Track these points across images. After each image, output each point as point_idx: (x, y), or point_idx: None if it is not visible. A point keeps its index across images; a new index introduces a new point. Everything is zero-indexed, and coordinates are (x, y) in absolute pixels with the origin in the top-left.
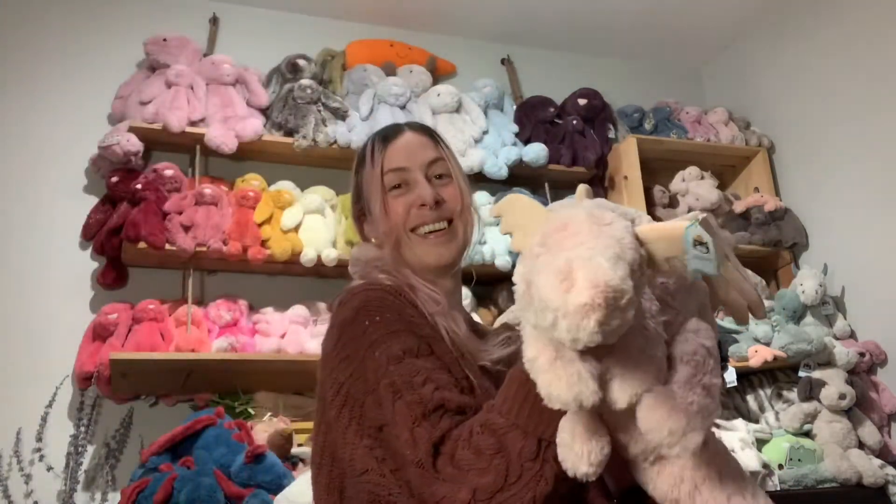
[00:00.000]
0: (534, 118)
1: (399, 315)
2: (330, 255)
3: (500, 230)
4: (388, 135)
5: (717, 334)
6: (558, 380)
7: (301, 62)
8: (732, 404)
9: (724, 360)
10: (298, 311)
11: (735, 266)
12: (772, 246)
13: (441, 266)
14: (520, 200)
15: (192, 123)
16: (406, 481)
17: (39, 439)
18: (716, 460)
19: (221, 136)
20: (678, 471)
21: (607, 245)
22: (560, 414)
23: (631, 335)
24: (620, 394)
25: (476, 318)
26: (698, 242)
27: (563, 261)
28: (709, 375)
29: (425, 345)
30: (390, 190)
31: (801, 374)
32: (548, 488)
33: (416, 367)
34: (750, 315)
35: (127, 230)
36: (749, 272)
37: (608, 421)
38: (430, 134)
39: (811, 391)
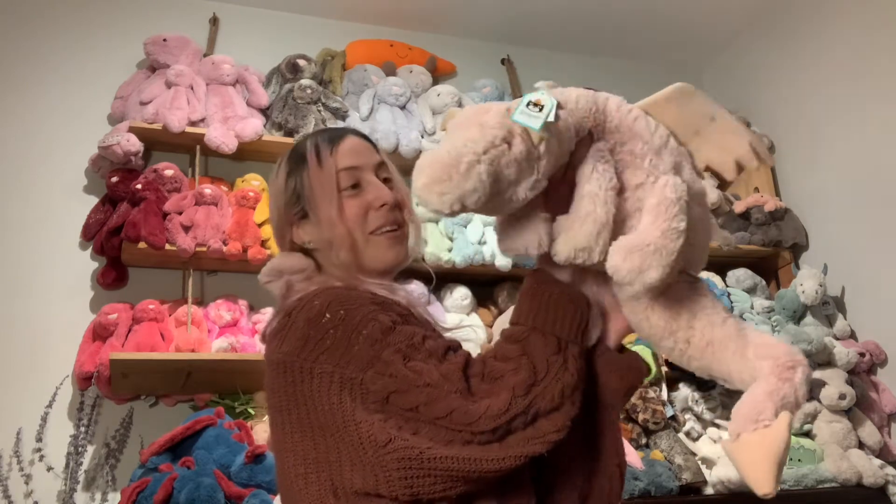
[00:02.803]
0: None
1: (371, 300)
2: None
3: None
4: (332, 137)
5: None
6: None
7: (301, 62)
8: (733, 404)
9: None
10: None
11: (722, 124)
12: (772, 246)
13: (398, 264)
14: (458, 112)
15: (192, 123)
16: (447, 414)
17: (39, 439)
18: (689, 294)
19: (221, 136)
20: (666, 301)
21: (469, 131)
22: (572, 313)
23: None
24: (561, 247)
25: (477, 318)
26: (534, 104)
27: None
28: (668, 221)
29: (403, 318)
30: (344, 190)
31: None
32: (573, 379)
33: (409, 331)
34: (752, 164)
35: (127, 230)
36: (745, 128)
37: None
38: (370, 140)
39: (811, 391)
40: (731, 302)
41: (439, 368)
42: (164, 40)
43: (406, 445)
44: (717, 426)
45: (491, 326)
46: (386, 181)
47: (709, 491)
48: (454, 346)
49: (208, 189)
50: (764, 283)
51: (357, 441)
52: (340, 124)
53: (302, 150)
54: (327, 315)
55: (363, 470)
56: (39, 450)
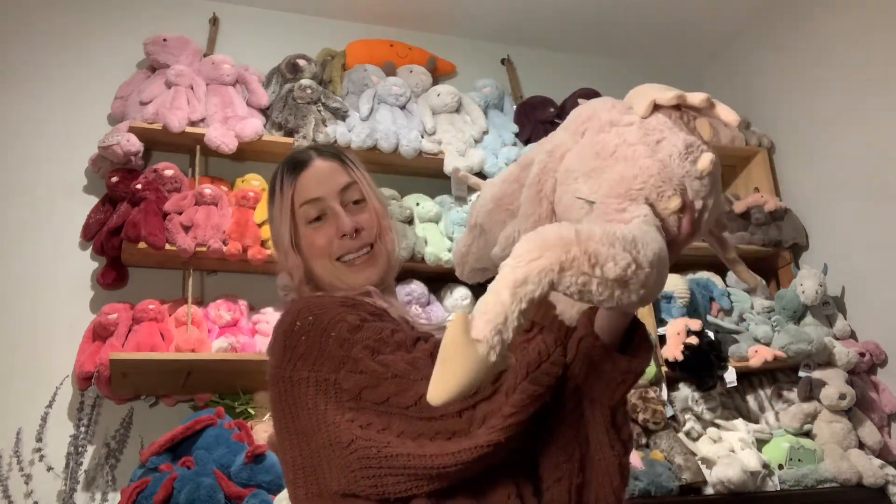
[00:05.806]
0: (534, 118)
1: (340, 303)
2: None
3: None
4: (296, 165)
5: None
6: None
7: (301, 62)
8: (733, 404)
9: (723, 361)
10: None
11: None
12: (772, 246)
13: (371, 284)
14: None
15: (192, 123)
16: (415, 402)
17: (39, 439)
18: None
19: (221, 136)
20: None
21: None
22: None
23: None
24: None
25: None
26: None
27: None
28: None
29: (376, 316)
30: (310, 223)
31: (801, 374)
32: (530, 357)
33: (378, 327)
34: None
35: (127, 230)
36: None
37: None
38: (339, 158)
39: (811, 391)
40: (732, 302)
41: (406, 358)
42: (164, 40)
43: (366, 445)
44: (717, 426)
45: None
46: (356, 203)
47: (709, 491)
48: (425, 337)
49: (208, 189)
50: (764, 282)
51: (328, 442)
52: (340, 124)
53: (273, 179)
54: (298, 323)
55: (337, 471)
56: (39, 450)
